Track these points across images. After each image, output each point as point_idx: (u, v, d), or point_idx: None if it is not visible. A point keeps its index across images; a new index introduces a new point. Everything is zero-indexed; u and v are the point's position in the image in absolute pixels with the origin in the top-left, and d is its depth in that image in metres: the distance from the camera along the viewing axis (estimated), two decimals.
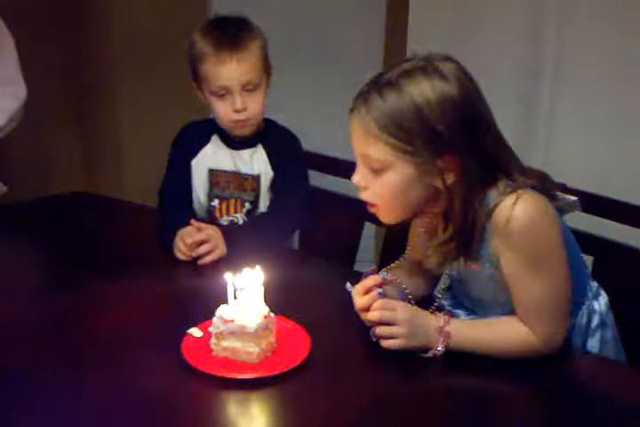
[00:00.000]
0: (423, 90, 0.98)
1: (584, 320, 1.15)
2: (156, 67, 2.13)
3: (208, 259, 1.36)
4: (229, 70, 1.41)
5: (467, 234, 1.03)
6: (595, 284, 1.19)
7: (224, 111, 1.45)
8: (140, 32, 2.17)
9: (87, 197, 1.80)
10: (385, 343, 1.05)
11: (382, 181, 1.03)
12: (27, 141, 2.06)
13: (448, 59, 1.03)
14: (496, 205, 1.02)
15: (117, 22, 2.20)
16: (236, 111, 1.44)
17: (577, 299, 1.11)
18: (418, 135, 0.98)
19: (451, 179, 1.02)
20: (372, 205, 1.08)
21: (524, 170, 1.07)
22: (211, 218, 1.54)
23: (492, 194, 1.03)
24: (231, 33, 1.43)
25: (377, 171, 1.03)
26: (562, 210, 1.10)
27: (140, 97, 2.19)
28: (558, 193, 1.10)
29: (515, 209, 1.00)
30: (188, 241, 1.36)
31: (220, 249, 1.37)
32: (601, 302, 1.17)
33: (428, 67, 1.01)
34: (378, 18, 2.27)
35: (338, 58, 2.19)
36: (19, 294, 1.28)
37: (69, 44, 2.26)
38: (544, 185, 1.07)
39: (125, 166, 2.28)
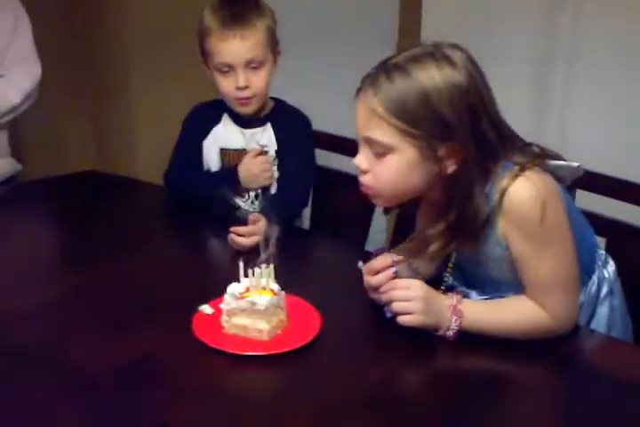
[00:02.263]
0: (431, 75, 0.99)
1: (594, 289, 1.16)
2: (168, 46, 2.12)
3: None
4: (233, 47, 1.41)
5: (469, 221, 1.04)
6: (602, 252, 1.20)
7: (227, 88, 1.46)
8: (154, 7, 2.16)
9: (99, 175, 1.81)
10: (401, 319, 1.05)
11: (385, 165, 1.03)
12: (40, 121, 2.07)
13: (456, 47, 1.04)
14: (502, 189, 1.02)
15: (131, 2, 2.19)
16: (239, 88, 1.44)
17: (587, 268, 1.13)
18: (423, 120, 0.99)
19: (452, 165, 1.02)
20: (369, 188, 1.08)
21: (524, 147, 1.07)
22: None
23: (494, 178, 1.03)
24: (238, 10, 1.43)
25: (380, 154, 1.03)
26: (562, 179, 1.10)
27: (153, 76, 2.18)
28: (560, 162, 1.10)
29: (519, 191, 1.02)
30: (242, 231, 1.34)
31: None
32: (609, 270, 1.19)
33: (436, 53, 1.01)
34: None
35: (349, 38, 2.18)
36: (33, 271, 1.30)
37: (82, 24, 2.26)
38: (544, 158, 1.08)
39: (137, 145, 2.28)
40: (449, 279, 1.14)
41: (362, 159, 1.06)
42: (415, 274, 1.15)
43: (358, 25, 2.19)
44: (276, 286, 1.07)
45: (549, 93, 1.84)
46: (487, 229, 1.05)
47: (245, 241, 1.32)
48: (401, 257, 1.13)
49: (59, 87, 2.12)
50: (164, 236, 1.46)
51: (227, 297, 1.07)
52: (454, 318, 1.05)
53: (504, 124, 1.06)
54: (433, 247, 1.08)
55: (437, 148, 1.00)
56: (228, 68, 1.43)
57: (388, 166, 1.03)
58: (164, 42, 2.14)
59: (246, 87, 1.44)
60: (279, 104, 1.55)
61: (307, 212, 1.60)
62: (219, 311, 1.09)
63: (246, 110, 1.49)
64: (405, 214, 1.25)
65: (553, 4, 1.78)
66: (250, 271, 1.07)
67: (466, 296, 1.10)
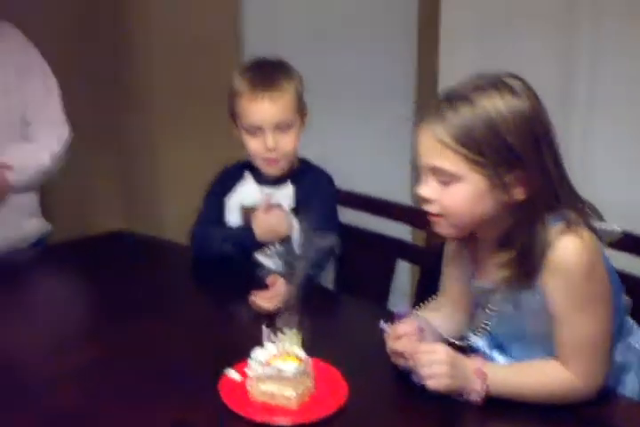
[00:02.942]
0: (495, 103, 1.01)
1: (620, 357, 1.14)
2: (195, 105, 2.18)
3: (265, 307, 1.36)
4: (262, 109, 1.46)
5: (529, 257, 1.03)
6: (630, 320, 1.19)
7: (256, 148, 1.50)
8: (182, 66, 2.23)
9: (126, 235, 1.85)
10: (429, 383, 1.05)
11: (452, 194, 1.04)
12: (69, 180, 2.12)
13: (515, 76, 1.05)
14: (550, 241, 1.02)
15: (157, 57, 2.25)
16: (267, 150, 1.48)
17: (615, 335, 1.11)
18: (490, 147, 1.00)
19: (519, 195, 1.03)
20: (437, 216, 1.08)
21: (579, 203, 1.08)
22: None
23: (551, 222, 1.03)
24: (267, 73, 1.49)
25: (446, 183, 1.04)
26: (601, 240, 1.09)
27: (181, 136, 2.24)
28: (602, 223, 1.10)
29: (569, 245, 1.02)
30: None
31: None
32: (637, 339, 1.17)
33: (498, 82, 1.03)
34: (410, 50, 2.32)
35: (368, 93, 2.24)
36: (62, 333, 1.32)
37: (110, 84, 2.34)
38: (591, 216, 1.08)
39: (164, 204, 2.32)
40: (477, 341, 1.15)
41: (427, 189, 1.06)
42: (439, 337, 1.15)
43: (374, 82, 2.25)
44: (301, 353, 1.08)
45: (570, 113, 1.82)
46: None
47: (266, 305, 1.34)
48: (425, 323, 1.14)
49: (86, 147, 2.17)
50: (188, 297, 1.48)
51: (252, 363, 1.08)
52: (479, 381, 1.05)
53: (565, 169, 1.06)
54: (500, 275, 1.06)
55: (504, 176, 1.01)
56: (257, 130, 1.48)
57: (456, 195, 1.04)
58: (192, 102, 2.20)
59: (274, 149, 1.48)
60: (303, 164, 1.59)
61: (330, 271, 1.61)
62: (244, 375, 1.09)
63: (273, 171, 1.53)
64: (430, 270, 1.27)
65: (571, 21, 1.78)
66: (274, 335, 1.09)
67: (490, 360, 1.11)
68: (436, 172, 1.04)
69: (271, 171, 1.53)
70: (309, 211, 1.51)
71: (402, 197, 1.69)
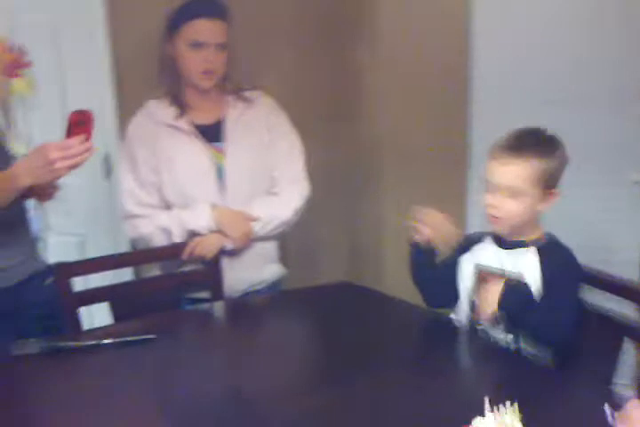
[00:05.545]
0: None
1: None
2: (427, 164, 2.29)
3: None
4: (501, 169, 1.53)
5: None
6: None
7: (484, 203, 1.57)
8: (406, 123, 2.36)
9: (353, 287, 1.95)
10: None
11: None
12: (301, 229, 2.31)
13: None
14: None
15: (383, 107, 2.40)
16: (491, 206, 1.55)
17: None
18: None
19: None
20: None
21: None
22: (473, 314, 1.62)
23: None
24: (521, 142, 1.54)
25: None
26: None
27: (406, 193, 2.35)
28: None
29: None
30: None
31: None
32: None
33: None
34: None
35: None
36: (300, 373, 1.43)
37: (343, 144, 2.52)
38: None
39: (386, 259, 2.43)
40: None
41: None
42: None
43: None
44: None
45: None
46: None
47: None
48: None
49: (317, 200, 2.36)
50: (406, 352, 1.54)
51: None
52: None
53: None
54: None
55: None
56: (492, 187, 1.56)
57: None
58: (421, 160, 2.31)
59: (496, 207, 1.54)
60: (549, 237, 1.60)
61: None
62: None
63: (494, 228, 1.59)
64: None
65: None
66: (494, 406, 1.12)
67: None
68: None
69: (493, 227, 1.59)
70: (552, 291, 1.51)
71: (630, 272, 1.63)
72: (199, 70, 1.93)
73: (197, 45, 1.91)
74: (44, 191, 1.70)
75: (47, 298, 1.80)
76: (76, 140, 1.44)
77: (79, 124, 1.46)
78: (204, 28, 1.91)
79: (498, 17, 2.39)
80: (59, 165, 1.44)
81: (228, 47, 1.94)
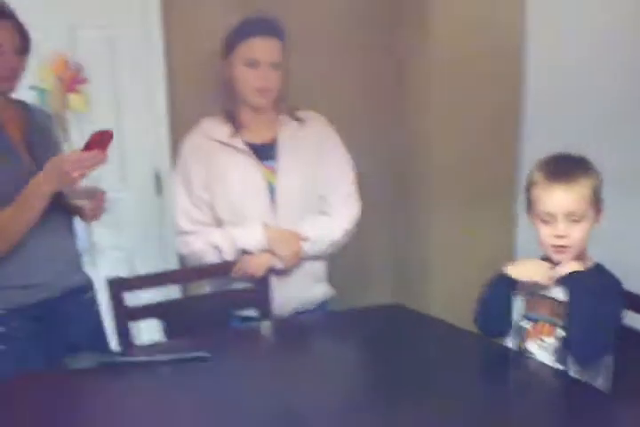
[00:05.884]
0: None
1: None
2: (474, 194, 2.29)
3: None
4: (556, 197, 1.53)
5: None
6: None
7: (546, 235, 1.57)
8: (454, 142, 2.35)
9: (403, 310, 1.92)
10: None
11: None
12: (349, 249, 2.31)
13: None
14: None
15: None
16: (557, 237, 1.54)
17: None
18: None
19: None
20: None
21: None
22: (520, 338, 1.61)
23: None
24: (565, 167, 1.56)
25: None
26: None
27: (455, 213, 2.34)
28: None
29: None
30: None
31: None
32: None
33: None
34: None
35: None
36: (349, 396, 1.42)
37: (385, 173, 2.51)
38: None
39: (433, 281, 2.42)
40: None
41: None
42: None
43: None
44: None
45: None
46: None
47: None
48: None
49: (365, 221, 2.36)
50: (453, 381, 1.50)
51: None
52: None
53: None
54: None
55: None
56: (550, 218, 1.55)
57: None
58: (469, 189, 2.31)
59: (564, 237, 1.54)
60: (595, 263, 1.59)
61: (603, 372, 1.57)
62: None
63: (560, 258, 1.57)
64: None
65: None
66: None
67: None
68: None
69: (558, 258, 1.57)
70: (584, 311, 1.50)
71: None
72: (254, 88, 1.96)
73: (253, 64, 1.94)
74: (91, 212, 1.82)
75: (88, 311, 1.85)
76: (89, 155, 1.63)
77: (98, 141, 1.64)
78: (259, 47, 1.94)
79: (552, 34, 2.37)
80: (73, 174, 1.64)
81: (282, 66, 1.97)
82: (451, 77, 2.37)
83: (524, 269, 1.60)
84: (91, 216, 1.85)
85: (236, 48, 1.96)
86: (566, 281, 1.54)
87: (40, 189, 1.66)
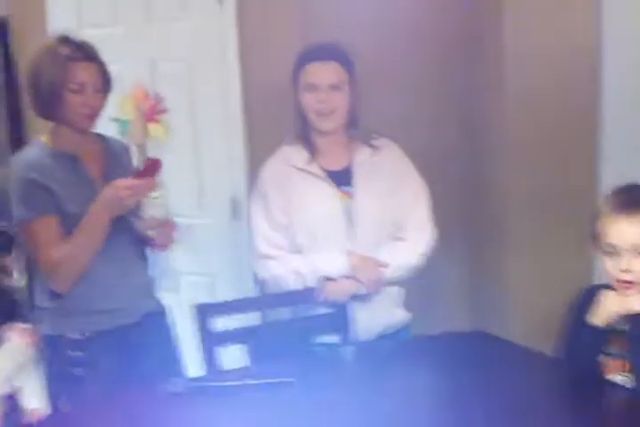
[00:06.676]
0: None
1: None
2: (552, 221, 2.26)
3: None
4: (621, 230, 1.51)
5: None
6: None
7: (611, 269, 1.54)
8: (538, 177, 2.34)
9: (485, 336, 1.92)
10: None
11: None
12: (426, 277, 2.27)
13: None
14: None
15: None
16: (622, 271, 1.51)
17: None
18: None
19: None
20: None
21: None
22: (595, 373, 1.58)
23: None
24: (633, 197, 1.54)
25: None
26: None
27: (531, 239, 2.32)
28: None
29: None
30: None
31: None
32: None
33: None
34: None
35: None
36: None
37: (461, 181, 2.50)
38: None
39: (511, 313, 2.40)
40: None
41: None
42: None
43: None
44: None
45: None
46: None
47: None
48: None
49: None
50: (546, 408, 1.48)
51: None
52: None
53: None
54: None
55: None
56: (613, 250, 1.52)
57: None
58: (548, 216, 2.28)
59: (629, 271, 1.50)
60: None
61: None
62: None
63: (627, 293, 1.54)
64: None
65: None
66: None
67: None
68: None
69: (626, 293, 1.54)
70: None
71: None
72: (314, 111, 1.99)
73: (311, 88, 1.98)
74: (161, 242, 1.91)
75: (163, 337, 1.91)
76: (141, 182, 1.75)
77: (150, 169, 1.75)
78: (315, 71, 1.98)
79: (631, 54, 2.34)
80: (127, 200, 1.75)
81: (343, 88, 1.99)
82: (526, 110, 2.39)
83: (605, 311, 1.54)
84: (160, 246, 1.92)
85: (298, 75, 2.01)
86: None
87: (98, 215, 1.75)
